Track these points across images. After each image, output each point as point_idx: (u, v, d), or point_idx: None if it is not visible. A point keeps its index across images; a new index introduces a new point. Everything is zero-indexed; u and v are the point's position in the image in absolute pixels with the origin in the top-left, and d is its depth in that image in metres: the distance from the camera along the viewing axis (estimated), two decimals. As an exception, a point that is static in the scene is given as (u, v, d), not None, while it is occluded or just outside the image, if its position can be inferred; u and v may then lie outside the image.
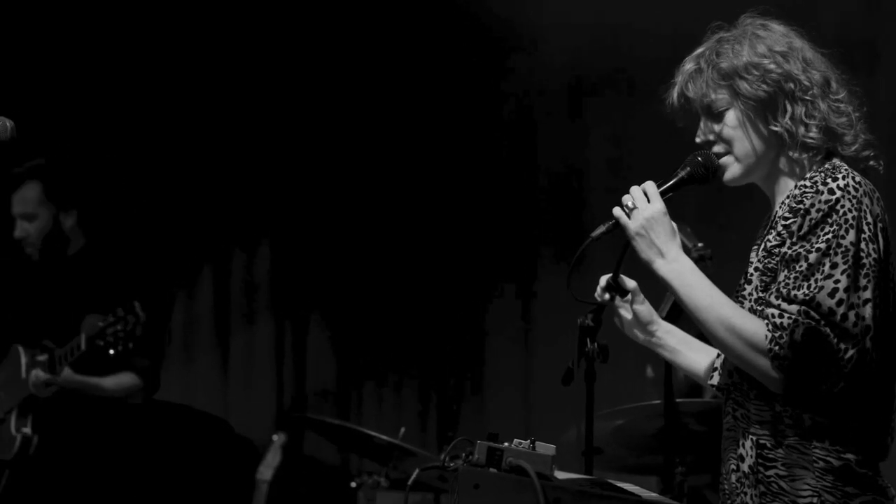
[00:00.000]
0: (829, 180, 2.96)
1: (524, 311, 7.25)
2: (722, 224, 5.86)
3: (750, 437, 3.03)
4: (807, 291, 2.89)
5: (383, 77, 7.58)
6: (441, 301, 7.47)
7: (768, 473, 2.99)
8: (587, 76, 7.11)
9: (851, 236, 2.92)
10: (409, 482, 3.22)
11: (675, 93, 3.16)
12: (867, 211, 2.96)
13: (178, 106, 7.69)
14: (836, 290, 2.89)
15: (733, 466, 3.08)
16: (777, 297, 2.93)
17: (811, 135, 3.04)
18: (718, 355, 3.18)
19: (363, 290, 7.62)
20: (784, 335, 2.89)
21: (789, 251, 2.95)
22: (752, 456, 3.02)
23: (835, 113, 3.06)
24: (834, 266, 2.90)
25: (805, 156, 3.06)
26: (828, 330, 2.88)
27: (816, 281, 2.90)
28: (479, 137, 7.43)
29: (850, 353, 2.88)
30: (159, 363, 5.67)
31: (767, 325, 2.92)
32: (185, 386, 7.77)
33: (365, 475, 5.79)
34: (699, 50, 3.16)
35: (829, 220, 2.93)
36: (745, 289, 3.09)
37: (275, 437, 6.66)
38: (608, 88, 7.02)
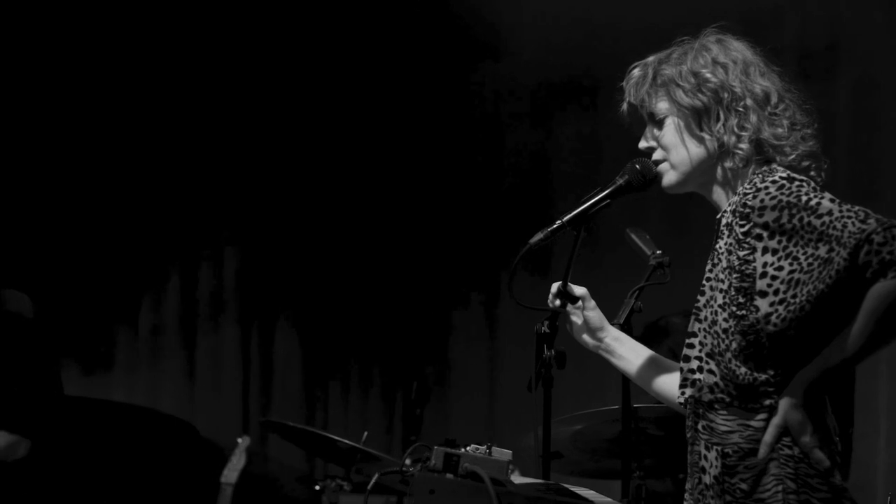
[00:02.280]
0: (767, 178, 3.02)
1: (489, 316, 7.27)
2: (683, 230, 5.91)
3: (714, 447, 3.05)
4: (851, 231, 2.85)
5: (349, 81, 7.59)
6: (407, 306, 7.49)
7: (732, 480, 3.01)
8: (556, 77, 7.13)
9: (820, 193, 2.95)
10: (369, 486, 3.25)
11: (625, 99, 3.22)
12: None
13: (144, 112, 7.69)
14: (854, 221, 2.87)
15: (697, 480, 3.10)
16: (840, 254, 2.85)
17: (741, 145, 3.09)
18: (681, 370, 3.18)
19: (330, 295, 7.64)
20: (871, 248, 2.82)
21: (789, 245, 2.91)
22: (716, 466, 3.04)
23: (770, 126, 3.11)
24: (831, 213, 2.89)
25: (740, 165, 3.10)
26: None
27: (843, 223, 2.86)
28: (448, 141, 7.45)
29: None
30: (48, 412, 4.92)
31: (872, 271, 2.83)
32: (152, 389, 7.78)
33: (328, 479, 5.82)
34: (649, 57, 3.23)
35: (794, 196, 2.94)
36: (699, 301, 3.12)
37: (240, 441, 6.67)
38: (577, 90, 7.05)
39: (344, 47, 7.57)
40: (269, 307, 7.76)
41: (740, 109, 3.10)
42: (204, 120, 7.72)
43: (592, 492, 3.09)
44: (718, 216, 3.13)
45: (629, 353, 3.42)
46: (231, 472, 6.54)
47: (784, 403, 2.93)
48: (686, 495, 3.17)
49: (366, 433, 5.66)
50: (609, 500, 3.10)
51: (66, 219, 7.68)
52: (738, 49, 3.18)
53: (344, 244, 7.61)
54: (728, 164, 3.12)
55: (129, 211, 7.70)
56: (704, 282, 3.10)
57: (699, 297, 3.11)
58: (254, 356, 7.75)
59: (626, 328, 3.64)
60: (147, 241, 7.73)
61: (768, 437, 2.95)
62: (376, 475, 3.17)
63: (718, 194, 3.17)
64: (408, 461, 3.06)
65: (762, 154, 3.10)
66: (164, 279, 7.81)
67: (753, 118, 3.10)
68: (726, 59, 3.14)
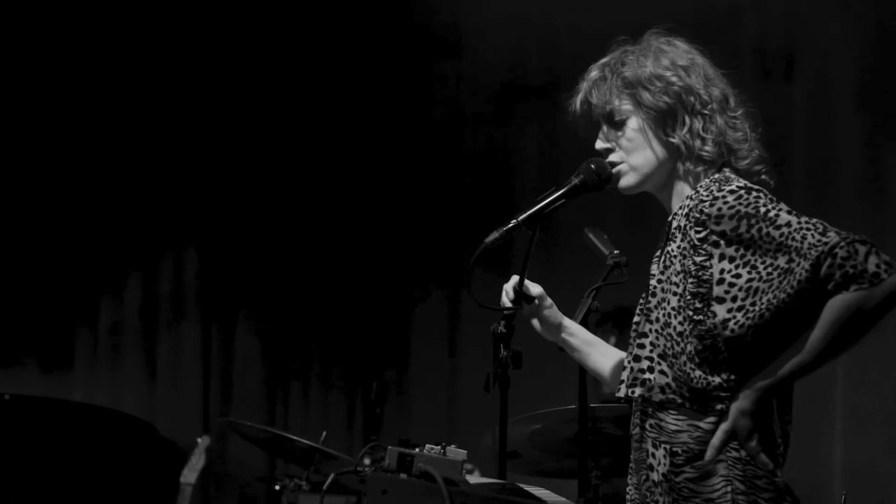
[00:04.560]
0: (724, 187, 3.03)
1: (450, 315, 7.27)
2: (641, 230, 5.92)
3: (662, 446, 3.07)
4: (811, 243, 2.88)
5: (310, 81, 7.58)
6: (367, 305, 7.48)
7: (678, 479, 3.03)
8: (517, 77, 7.13)
9: (777, 205, 2.98)
10: (325, 486, 3.24)
11: (578, 100, 3.23)
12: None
13: (105, 110, 7.66)
14: (814, 233, 2.90)
15: (644, 476, 3.12)
16: (801, 265, 2.87)
17: (707, 148, 3.11)
18: (624, 367, 3.20)
19: (290, 293, 7.63)
20: (833, 262, 2.85)
21: (746, 254, 2.94)
22: (664, 464, 3.06)
23: (731, 129, 3.14)
24: (789, 224, 2.92)
25: (700, 168, 3.12)
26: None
27: (802, 235, 2.90)
28: (409, 140, 7.44)
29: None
30: None
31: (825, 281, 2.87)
32: (112, 389, 7.74)
33: (287, 478, 5.81)
34: (604, 59, 3.23)
35: (752, 206, 2.96)
36: (650, 302, 3.11)
37: (199, 440, 6.64)
38: (538, 89, 7.05)
39: (305, 47, 7.56)
40: (229, 306, 7.74)
41: (706, 112, 3.13)
42: (163, 120, 7.69)
43: (547, 491, 3.09)
44: (669, 218, 3.14)
45: (584, 346, 3.46)
46: (190, 472, 6.52)
47: (734, 409, 2.97)
48: (631, 490, 3.19)
49: (325, 433, 5.65)
50: (564, 499, 3.10)
51: (25, 217, 7.64)
52: (691, 51, 3.20)
53: (305, 243, 7.60)
54: (689, 166, 3.14)
55: (88, 209, 7.67)
56: (655, 283, 3.11)
57: (650, 297, 3.12)
58: (214, 356, 7.73)
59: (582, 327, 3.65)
60: (106, 240, 7.69)
61: (716, 440, 2.99)
62: (332, 475, 3.16)
63: (674, 195, 3.18)
64: (366, 461, 3.06)
65: (724, 157, 3.13)
66: (124, 278, 7.79)
67: (720, 121, 3.13)
68: (686, 61, 3.17)
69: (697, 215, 3.01)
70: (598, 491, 4.36)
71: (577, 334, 3.45)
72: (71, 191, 7.66)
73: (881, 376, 5.83)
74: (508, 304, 3.30)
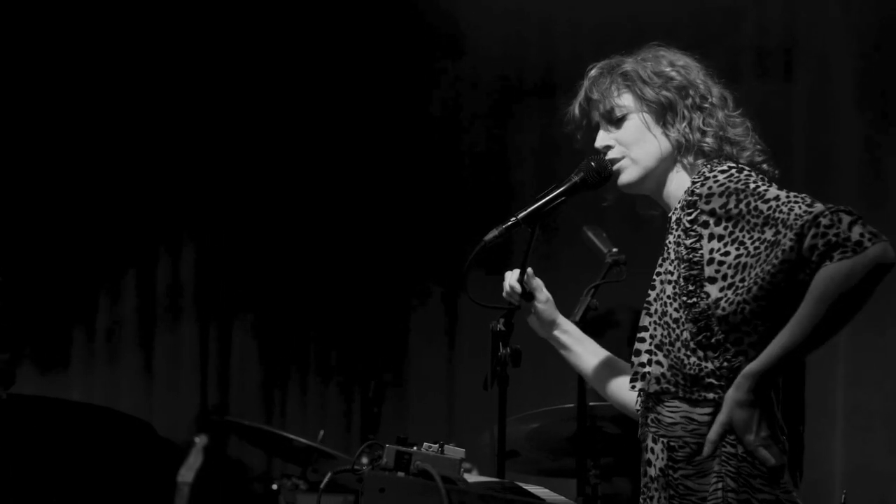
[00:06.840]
0: (716, 168, 3.06)
1: (448, 313, 7.26)
2: (640, 229, 5.91)
3: (661, 440, 3.05)
4: (797, 213, 2.83)
5: (308, 78, 7.57)
6: (366, 302, 7.47)
7: (676, 476, 3.01)
8: (515, 74, 7.12)
9: (768, 183, 2.99)
10: (322, 485, 3.23)
11: (577, 101, 3.23)
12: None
13: (100, 106, 7.65)
14: (801, 205, 2.87)
15: (643, 471, 3.11)
16: (787, 235, 2.83)
17: (707, 140, 3.13)
18: (632, 364, 3.21)
19: (288, 292, 7.61)
20: (817, 231, 2.79)
21: (735, 230, 2.91)
22: (662, 458, 3.04)
23: (731, 126, 3.16)
24: (778, 198, 2.89)
25: (700, 161, 3.13)
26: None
27: (789, 207, 2.86)
28: (407, 137, 7.43)
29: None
30: (15, 357, 5.22)
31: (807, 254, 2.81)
32: (109, 388, 7.73)
33: (285, 478, 5.80)
34: (603, 61, 3.25)
35: (742, 182, 2.97)
36: (649, 295, 3.12)
37: (197, 439, 6.63)
38: (538, 86, 7.04)
39: (303, 44, 7.55)
40: (227, 304, 7.72)
41: (707, 107, 3.16)
42: (160, 117, 7.67)
43: (546, 490, 3.08)
44: (670, 214, 3.14)
45: (575, 345, 3.45)
46: (188, 471, 6.51)
47: (728, 400, 2.89)
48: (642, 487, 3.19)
49: (322, 432, 5.65)
50: (563, 498, 3.09)
51: (21, 215, 7.63)
52: (687, 56, 3.25)
53: (302, 242, 7.58)
54: (689, 160, 3.15)
55: (84, 208, 7.65)
56: (654, 276, 3.12)
57: (649, 291, 3.13)
58: (211, 354, 7.71)
59: (581, 325, 3.64)
60: (103, 239, 7.68)
61: (713, 434, 2.91)
62: (329, 474, 3.15)
63: (673, 192, 3.18)
64: (364, 459, 3.05)
65: (723, 151, 3.14)
66: (121, 277, 7.77)
67: (720, 115, 3.16)
68: (684, 62, 3.21)
69: (689, 198, 3.01)
70: (597, 490, 4.35)
71: (570, 332, 3.44)
72: (67, 189, 7.64)
73: (882, 375, 5.83)
74: (512, 293, 3.28)
